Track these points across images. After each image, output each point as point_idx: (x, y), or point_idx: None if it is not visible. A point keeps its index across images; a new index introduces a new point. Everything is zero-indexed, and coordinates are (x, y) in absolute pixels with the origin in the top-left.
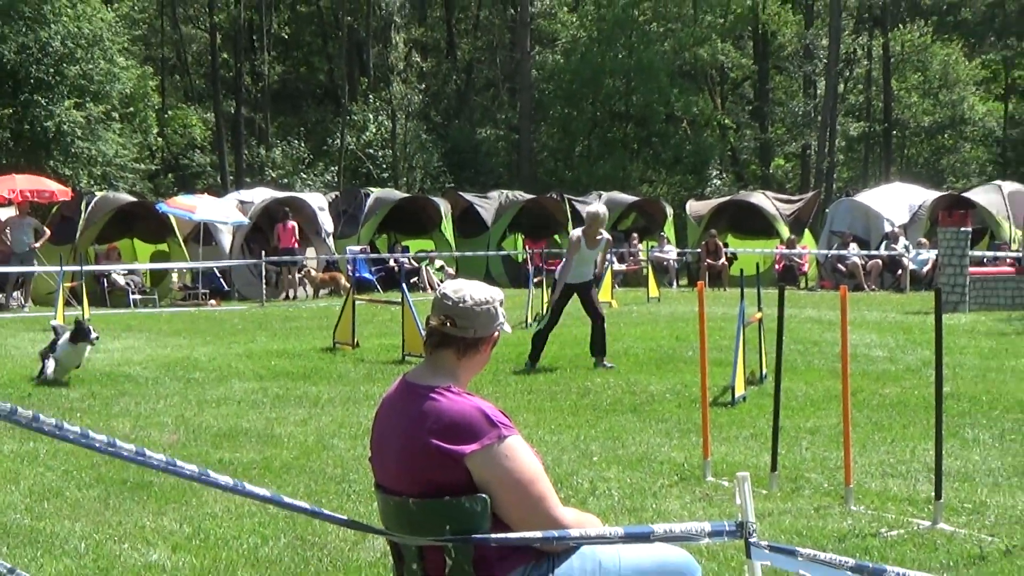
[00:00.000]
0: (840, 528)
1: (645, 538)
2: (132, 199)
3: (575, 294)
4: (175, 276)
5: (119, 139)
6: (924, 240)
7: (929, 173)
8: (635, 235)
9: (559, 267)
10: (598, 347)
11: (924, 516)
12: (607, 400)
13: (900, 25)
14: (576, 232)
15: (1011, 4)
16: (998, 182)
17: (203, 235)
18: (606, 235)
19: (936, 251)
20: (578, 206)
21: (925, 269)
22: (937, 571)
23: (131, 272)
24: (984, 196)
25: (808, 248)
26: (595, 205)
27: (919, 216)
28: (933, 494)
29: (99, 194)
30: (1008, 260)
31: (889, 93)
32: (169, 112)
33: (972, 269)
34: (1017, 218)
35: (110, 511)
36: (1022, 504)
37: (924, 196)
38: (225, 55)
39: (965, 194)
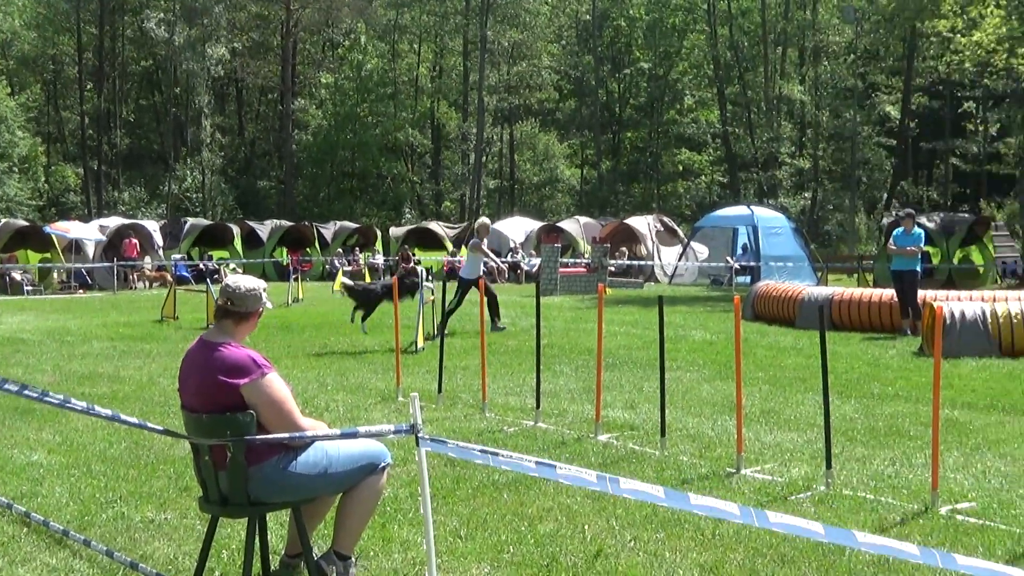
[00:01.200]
0: (479, 427)
1: (354, 435)
2: (26, 224)
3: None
4: (55, 274)
5: (18, 185)
6: (533, 251)
7: (537, 210)
8: (357, 248)
9: (463, 268)
10: (493, 311)
11: (530, 419)
12: (339, 351)
13: (520, 121)
14: (475, 240)
15: (585, 109)
16: (577, 216)
17: (75, 248)
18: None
19: (540, 259)
20: (322, 230)
21: (534, 269)
22: (537, 452)
23: (25, 271)
24: (569, 225)
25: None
26: (483, 218)
27: (531, 237)
28: (534, 405)
29: (3, 220)
30: (582, 264)
31: (513, 162)
32: (53, 167)
33: (561, 270)
34: (588, 238)
35: (5, 428)
36: (589, 410)
37: (533, 225)
38: (91, 131)
39: (558, 224)
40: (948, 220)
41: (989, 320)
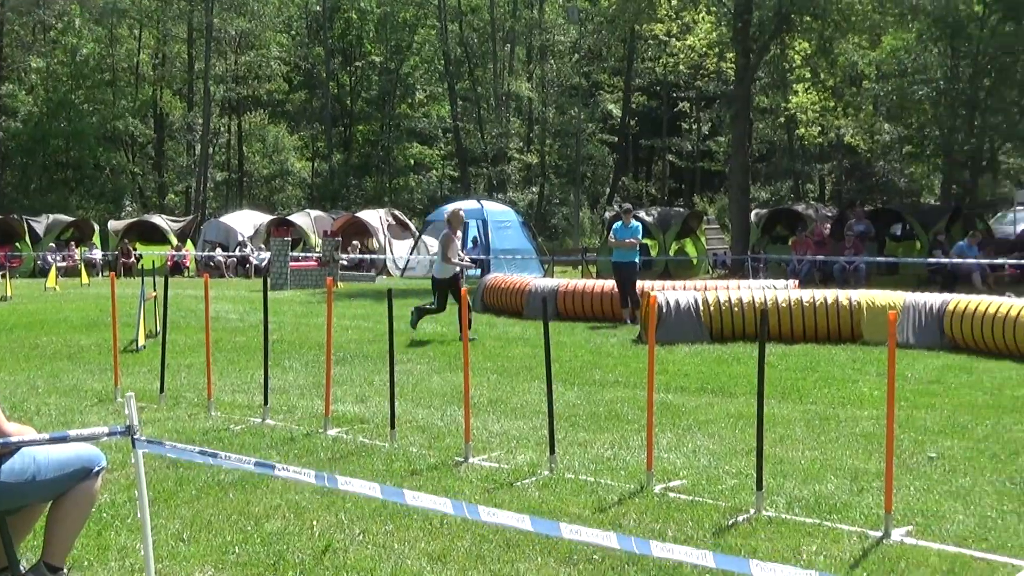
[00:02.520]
0: (205, 427)
1: (64, 439)
2: None
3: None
4: None
5: None
6: (263, 245)
7: (266, 203)
8: (72, 243)
9: (439, 265)
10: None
11: (258, 416)
12: (51, 351)
13: (248, 112)
14: (447, 231)
15: (315, 101)
16: (308, 210)
17: None
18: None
19: (269, 253)
20: (32, 224)
21: (264, 264)
22: (265, 449)
23: None
24: (300, 218)
25: (189, 251)
26: (455, 204)
27: (260, 231)
28: (263, 401)
29: None
30: (313, 258)
31: (241, 154)
32: None
33: (292, 264)
34: (319, 232)
35: None
36: (319, 405)
37: (263, 218)
38: None
39: (288, 217)
40: (664, 214)
41: (701, 308)
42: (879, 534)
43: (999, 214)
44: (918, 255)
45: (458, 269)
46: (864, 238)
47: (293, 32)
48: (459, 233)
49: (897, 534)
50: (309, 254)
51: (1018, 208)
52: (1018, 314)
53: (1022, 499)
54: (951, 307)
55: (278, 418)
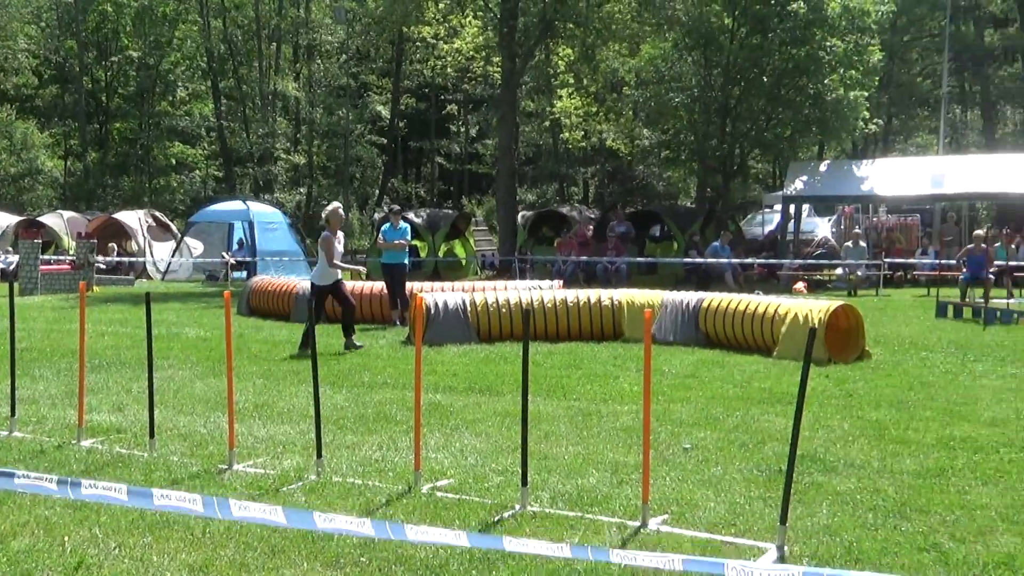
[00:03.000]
0: None
1: None
2: None
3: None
4: None
5: None
6: (10, 248)
7: (14, 204)
8: None
9: (319, 270)
10: (349, 325)
11: (4, 428)
12: None
13: None
14: (326, 233)
15: (68, 96)
16: (60, 211)
17: None
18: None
19: (18, 256)
20: None
21: (11, 267)
22: (12, 463)
23: None
24: (51, 219)
25: None
26: (334, 203)
27: (8, 233)
28: (9, 413)
29: None
30: (67, 262)
31: None
32: None
33: (42, 268)
34: (72, 233)
35: None
36: (72, 415)
37: (11, 220)
38: None
39: (39, 218)
40: (434, 216)
41: (468, 309)
42: (637, 523)
43: (749, 216)
44: (675, 255)
45: (339, 274)
46: (625, 239)
47: (43, 24)
48: (340, 234)
49: (654, 523)
50: (62, 257)
51: (766, 210)
52: (765, 311)
53: (768, 485)
54: (705, 304)
55: (26, 430)
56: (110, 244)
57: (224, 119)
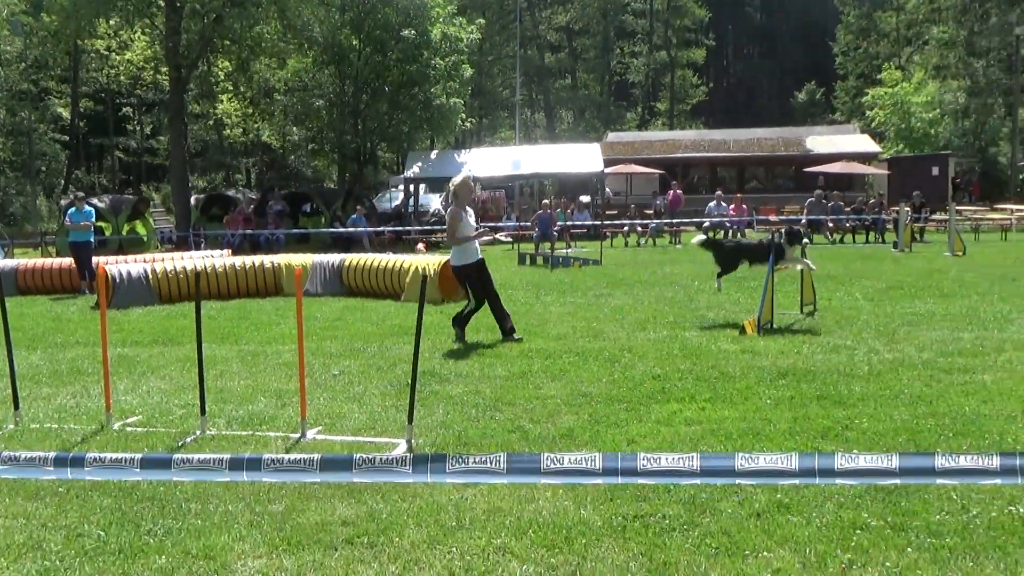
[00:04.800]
0: None
1: None
2: None
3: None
4: None
5: None
6: None
7: None
8: None
9: (454, 251)
10: (466, 318)
11: None
12: None
13: None
14: (453, 207)
15: None
16: None
17: None
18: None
19: None
20: None
21: None
22: None
23: None
24: None
25: None
26: (462, 174)
27: None
28: None
29: None
30: None
31: None
32: None
33: None
34: None
35: None
36: None
37: None
38: None
39: None
40: (116, 200)
41: (150, 276)
42: (298, 435)
43: (380, 194)
44: (323, 227)
45: (479, 252)
46: (282, 215)
47: None
48: (469, 209)
49: (311, 433)
50: None
51: (392, 189)
52: (394, 265)
53: (399, 396)
54: (347, 263)
55: None
56: None
57: None
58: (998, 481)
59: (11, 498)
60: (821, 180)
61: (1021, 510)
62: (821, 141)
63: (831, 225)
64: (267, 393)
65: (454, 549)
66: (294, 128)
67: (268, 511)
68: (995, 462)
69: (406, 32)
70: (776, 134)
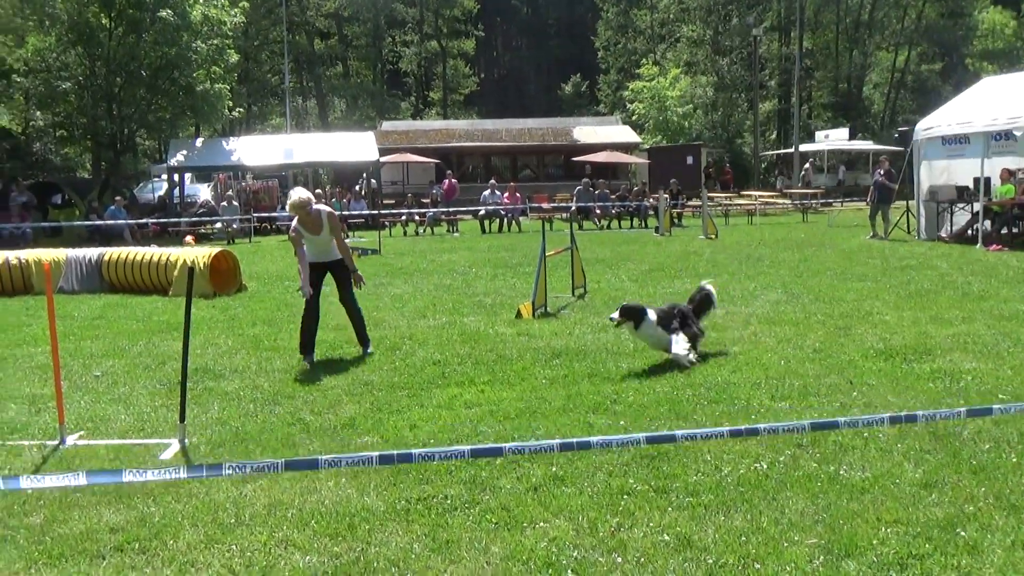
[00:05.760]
0: None
1: None
2: None
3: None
4: None
5: None
6: None
7: None
8: None
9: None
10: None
11: None
12: None
13: None
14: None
15: None
16: None
17: None
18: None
19: None
20: None
21: None
22: None
23: None
24: None
25: None
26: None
27: None
28: None
29: None
30: None
31: None
32: None
33: None
34: None
35: None
36: None
37: None
38: None
39: None
40: None
41: None
42: (56, 442)
43: (141, 184)
44: (79, 219)
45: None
46: (28, 207)
47: None
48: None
49: (71, 439)
50: None
51: (155, 179)
52: (160, 259)
53: (169, 395)
54: (107, 257)
55: None
56: None
57: None
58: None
59: None
60: (588, 169)
61: (764, 466)
62: (587, 131)
63: (598, 212)
64: (18, 399)
65: (233, 546)
66: (38, 112)
67: (25, 524)
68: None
69: (163, 13)
70: (546, 124)
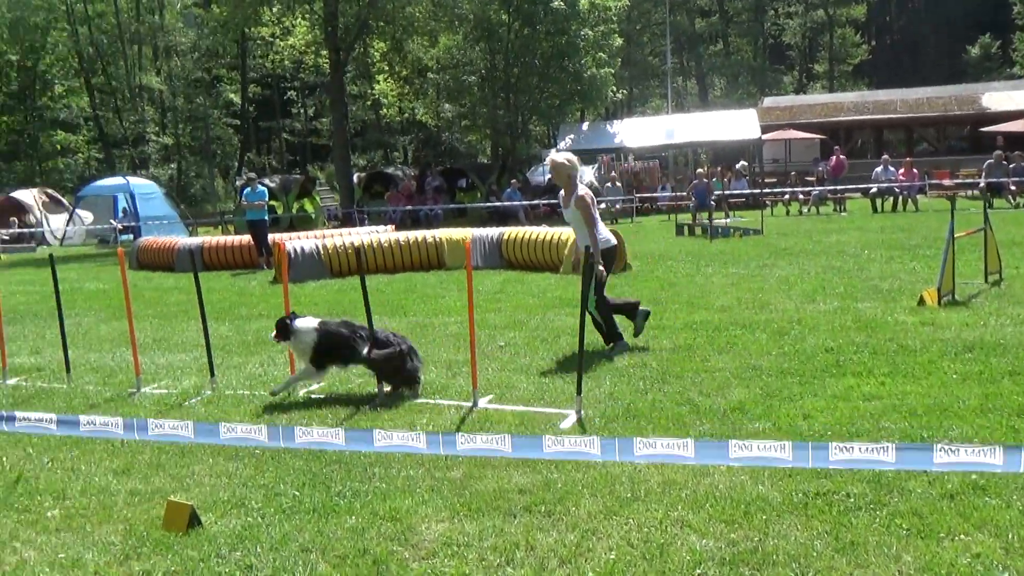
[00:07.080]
0: None
1: None
2: None
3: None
4: None
5: None
6: None
7: None
8: None
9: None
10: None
11: None
12: None
13: None
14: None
15: None
16: None
17: None
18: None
19: None
20: None
21: None
22: None
23: None
24: None
25: None
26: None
27: None
28: None
29: None
30: None
31: None
32: None
33: None
34: None
35: None
36: None
37: None
38: None
39: None
40: (285, 180)
41: (322, 252)
42: (470, 404)
43: (533, 167)
44: (479, 201)
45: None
46: (440, 191)
47: None
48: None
49: (482, 403)
50: None
51: (545, 163)
52: (551, 238)
53: (565, 368)
54: (506, 237)
55: None
56: (11, 219)
57: (99, 110)
58: None
59: (213, 459)
60: (1000, 140)
61: None
62: (999, 98)
63: (1013, 188)
64: (438, 363)
65: (631, 520)
66: (447, 105)
67: (448, 477)
68: None
69: (555, 3)
70: (948, 92)
